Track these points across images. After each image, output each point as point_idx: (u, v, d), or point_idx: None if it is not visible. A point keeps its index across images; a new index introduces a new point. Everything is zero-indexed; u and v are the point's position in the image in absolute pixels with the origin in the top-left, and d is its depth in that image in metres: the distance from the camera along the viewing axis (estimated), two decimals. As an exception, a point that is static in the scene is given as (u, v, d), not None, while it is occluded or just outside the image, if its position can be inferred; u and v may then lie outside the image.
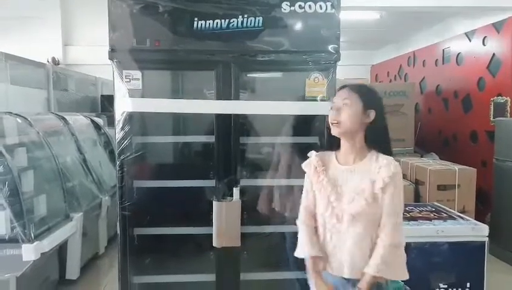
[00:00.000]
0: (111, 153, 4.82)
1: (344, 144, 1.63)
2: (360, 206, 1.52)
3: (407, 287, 2.28)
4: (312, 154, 1.72)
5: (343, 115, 1.57)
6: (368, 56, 8.30)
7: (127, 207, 2.28)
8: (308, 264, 1.64)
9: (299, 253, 1.69)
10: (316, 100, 2.30)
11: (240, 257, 2.34)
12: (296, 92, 2.38)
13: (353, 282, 1.55)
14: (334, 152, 1.68)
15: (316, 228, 1.67)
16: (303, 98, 2.34)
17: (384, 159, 1.56)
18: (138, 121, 2.35)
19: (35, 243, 2.86)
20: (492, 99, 4.54)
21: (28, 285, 2.93)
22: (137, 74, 2.26)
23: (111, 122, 5.23)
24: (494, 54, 4.59)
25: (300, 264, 2.29)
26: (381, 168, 1.53)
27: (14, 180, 2.99)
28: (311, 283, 1.65)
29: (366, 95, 1.60)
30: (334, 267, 1.59)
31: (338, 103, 1.59)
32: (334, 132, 1.60)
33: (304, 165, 1.73)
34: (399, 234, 1.54)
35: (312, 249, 1.62)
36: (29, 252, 2.82)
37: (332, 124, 1.59)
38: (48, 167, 3.57)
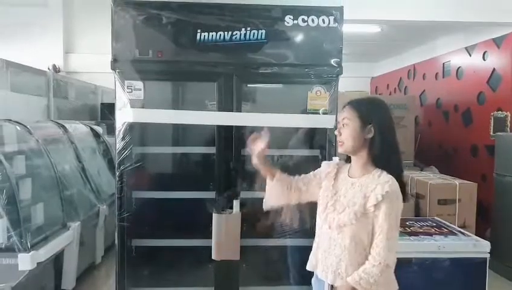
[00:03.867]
0: (110, 162, 4.80)
1: (352, 159, 1.65)
2: (348, 219, 1.53)
3: (408, 304, 2.25)
4: (335, 159, 1.79)
5: (343, 134, 1.60)
6: (368, 68, 8.33)
7: (125, 218, 2.26)
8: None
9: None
10: (318, 113, 2.29)
11: (239, 270, 2.31)
12: (298, 105, 2.38)
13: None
14: (349, 164, 1.70)
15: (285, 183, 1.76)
16: (305, 111, 2.33)
17: (385, 177, 1.54)
18: (139, 131, 2.35)
19: (31, 253, 2.82)
20: (492, 113, 4.55)
21: (23, 295, 2.88)
22: (139, 84, 2.26)
23: (110, 130, 5.24)
24: (494, 69, 4.61)
25: (299, 278, 2.28)
26: (378, 186, 1.51)
27: (11, 188, 2.96)
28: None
29: (365, 111, 1.59)
30: (321, 271, 1.62)
31: (340, 123, 1.62)
32: (339, 150, 1.65)
33: (324, 163, 1.78)
34: (390, 254, 1.48)
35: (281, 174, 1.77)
36: (26, 262, 2.78)
37: (338, 142, 1.63)
38: (46, 175, 3.55)
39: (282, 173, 1.78)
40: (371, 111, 1.60)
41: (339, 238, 1.55)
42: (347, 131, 1.59)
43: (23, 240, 2.84)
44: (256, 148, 1.71)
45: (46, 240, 3.10)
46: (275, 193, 1.78)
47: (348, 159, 1.70)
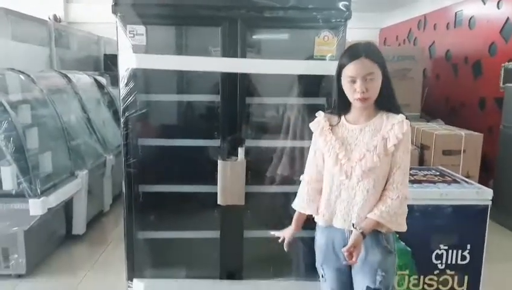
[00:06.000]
0: (115, 113, 4.81)
1: (356, 108, 1.62)
2: (372, 163, 1.54)
3: (408, 248, 2.32)
4: (320, 114, 1.72)
5: (371, 90, 1.53)
6: (377, 19, 8.06)
7: (132, 164, 2.29)
8: (296, 216, 1.80)
9: (295, 206, 1.79)
10: (325, 59, 2.24)
11: (243, 215, 2.36)
12: (305, 52, 2.31)
13: None
14: (333, 114, 1.68)
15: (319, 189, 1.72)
16: (312, 59, 2.28)
17: (395, 117, 1.57)
18: (143, 78, 2.31)
19: (41, 198, 2.91)
20: (503, 64, 4.44)
21: (35, 239, 3.00)
22: (141, 29, 2.20)
23: (114, 82, 5.20)
24: (508, 18, 4.45)
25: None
26: (395, 126, 1.55)
27: (18, 136, 3.00)
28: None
29: (382, 61, 1.57)
30: (341, 221, 1.62)
31: (362, 78, 1.51)
32: (360, 106, 1.57)
33: (311, 125, 1.73)
34: (406, 188, 1.58)
35: (308, 208, 1.73)
36: (36, 207, 2.88)
37: (358, 99, 1.54)
38: (52, 125, 3.58)
39: (299, 205, 1.76)
40: (382, 58, 1.57)
41: (360, 185, 1.57)
42: (374, 86, 1.54)
43: (33, 186, 2.92)
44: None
45: (55, 187, 3.18)
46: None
47: (340, 112, 1.66)
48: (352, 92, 1.55)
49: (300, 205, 1.76)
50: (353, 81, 1.54)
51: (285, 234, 1.80)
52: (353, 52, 1.56)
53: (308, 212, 1.74)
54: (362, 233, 1.52)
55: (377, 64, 1.54)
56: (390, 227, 1.57)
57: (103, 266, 3.20)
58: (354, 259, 1.49)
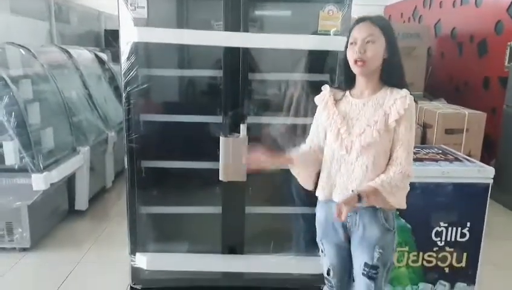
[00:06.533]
0: (116, 90, 4.79)
1: (359, 80, 1.61)
2: (371, 138, 1.53)
3: (408, 225, 2.33)
4: (326, 88, 1.71)
5: (369, 52, 1.50)
6: (382, -5, 7.91)
7: (134, 139, 2.28)
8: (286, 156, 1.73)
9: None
10: (329, 34, 2.20)
11: (244, 191, 2.37)
12: (309, 27, 2.27)
13: None
14: (340, 89, 1.68)
15: (315, 160, 1.71)
16: (316, 34, 2.24)
17: (399, 92, 1.55)
18: (144, 52, 2.28)
19: (44, 173, 2.92)
20: (509, 43, 4.37)
21: (39, 213, 3.03)
22: (143, 1, 2.16)
23: (115, 57, 5.15)
24: (516, -5, 4.36)
25: (303, 199, 2.35)
26: (397, 101, 1.53)
27: (20, 111, 2.99)
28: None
29: (387, 28, 1.55)
30: (340, 196, 1.61)
31: (362, 40, 1.51)
32: (358, 71, 1.55)
33: (316, 98, 1.73)
34: (410, 165, 1.56)
35: (294, 152, 1.73)
36: (39, 182, 2.89)
37: (356, 63, 1.52)
38: (53, 101, 3.56)
39: (295, 151, 1.73)
40: (391, 29, 1.56)
41: (359, 160, 1.55)
42: (374, 48, 1.50)
43: (35, 161, 2.93)
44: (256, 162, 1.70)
45: (58, 162, 3.19)
46: (306, 175, 1.73)
47: (345, 87, 1.65)
48: (352, 54, 1.54)
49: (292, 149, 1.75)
50: (354, 43, 1.53)
51: (263, 155, 1.69)
52: (360, 18, 1.57)
53: (291, 155, 1.71)
54: (359, 196, 1.48)
55: (379, 28, 1.52)
56: (388, 199, 1.53)
57: (106, 240, 3.24)
58: (342, 217, 1.45)
